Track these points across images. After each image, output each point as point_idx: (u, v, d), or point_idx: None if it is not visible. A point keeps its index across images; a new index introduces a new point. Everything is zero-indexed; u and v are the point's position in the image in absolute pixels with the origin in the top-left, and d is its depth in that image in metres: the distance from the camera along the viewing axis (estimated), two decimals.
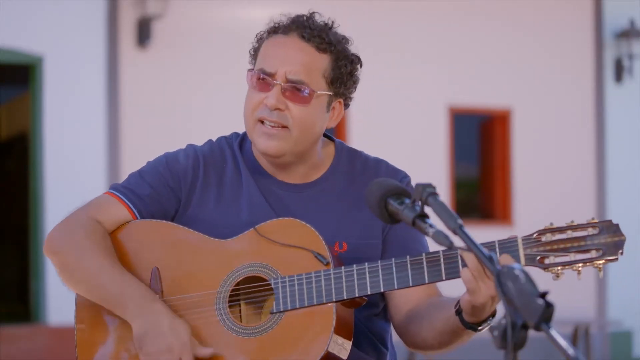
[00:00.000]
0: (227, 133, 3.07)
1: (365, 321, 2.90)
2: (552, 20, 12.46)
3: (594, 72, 12.67)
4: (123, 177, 11.44)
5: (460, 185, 12.34)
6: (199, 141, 3.04)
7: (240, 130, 3.04)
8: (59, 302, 10.08)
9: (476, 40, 12.12)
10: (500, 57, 12.23)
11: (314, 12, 2.92)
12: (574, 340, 11.68)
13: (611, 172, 12.61)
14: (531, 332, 1.97)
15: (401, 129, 11.51)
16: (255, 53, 2.93)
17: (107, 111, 10.42)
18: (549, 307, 1.95)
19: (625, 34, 12.53)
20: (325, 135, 2.96)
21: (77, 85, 10.37)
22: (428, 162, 11.80)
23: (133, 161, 10.34)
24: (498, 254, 2.57)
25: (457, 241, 2.30)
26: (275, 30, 2.90)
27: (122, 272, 2.78)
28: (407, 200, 2.43)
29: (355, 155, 2.97)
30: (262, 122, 2.84)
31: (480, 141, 12.77)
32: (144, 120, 10.60)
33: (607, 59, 12.69)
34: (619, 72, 12.61)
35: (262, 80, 2.84)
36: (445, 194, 11.65)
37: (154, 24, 10.51)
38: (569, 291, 11.80)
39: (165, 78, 10.72)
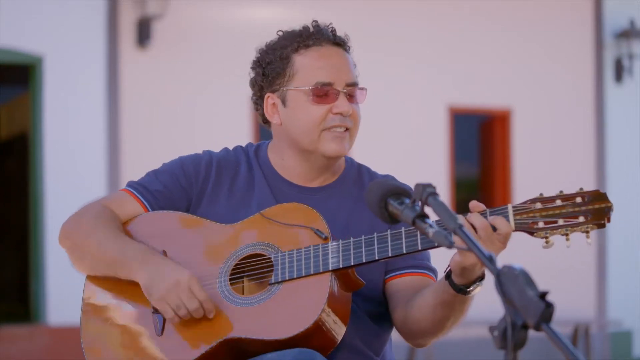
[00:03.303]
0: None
1: (370, 315, 2.97)
2: (552, 20, 12.46)
3: (594, 72, 12.67)
4: (123, 177, 11.37)
5: (460, 185, 12.34)
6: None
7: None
8: (59, 302, 10.08)
9: (476, 41, 12.12)
10: (500, 57, 12.22)
11: (316, 21, 3.05)
12: (574, 340, 11.68)
13: (611, 172, 12.61)
14: (531, 332, 1.97)
15: (401, 129, 11.51)
16: (282, 71, 3.00)
17: (107, 111, 10.42)
18: (549, 307, 1.95)
19: (625, 34, 12.52)
20: None
21: (77, 85, 10.37)
22: (428, 162, 11.79)
23: (133, 161, 10.34)
24: (489, 220, 2.67)
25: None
26: (304, 45, 2.99)
27: (125, 239, 2.92)
28: (407, 200, 2.44)
29: (364, 169, 3.12)
30: (328, 129, 2.96)
31: (480, 141, 12.77)
32: (144, 121, 10.60)
33: (607, 59, 12.68)
34: (619, 72, 12.60)
35: (325, 92, 2.95)
36: (445, 194, 11.65)
37: (154, 24, 10.51)
38: (569, 291, 11.81)
39: (165, 78, 10.71)
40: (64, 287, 10.01)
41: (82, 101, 10.39)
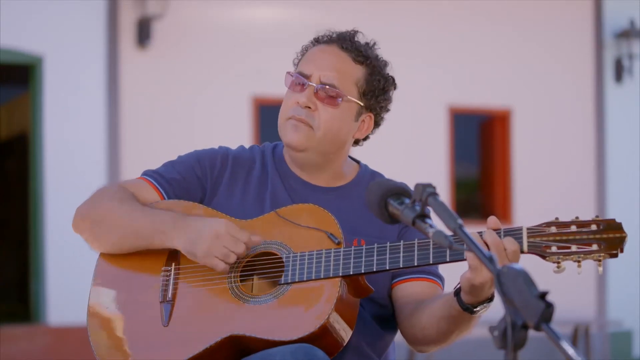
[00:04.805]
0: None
1: (376, 318, 2.99)
2: (552, 20, 12.46)
3: (594, 72, 12.66)
4: (123, 177, 11.36)
5: (460, 185, 12.34)
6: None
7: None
8: (59, 302, 10.08)
9: (476, 41, 12.12)
10: (500, 57, 12.22)
11: (357, 31, 3.07)
12: (574, 340, 11.68)
13: (611, 172, 12.61)
14: (531, 332, 1.97)
15: (401, 129, 11.51)
16: (298, 62, 3.08)
17: (107, 111, 10.42)
18: (549, 307, 1.95)
19: (625, 34, 12.53)
20: (353, 158, 3.14)
21: (77, 85, 10.37)
22: (428, 162, 11.79)
23: (133, 161, 10.34)
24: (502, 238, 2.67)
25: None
26: (318, 40, 3.06)
27: (151, 209, 2.93)
28: (407, 201, 2.44)
29: (378, 176, 3.13)
30: (289, 117, 3.00)
31: (480, 141, 12.77)
32: (143, 120, 10.60)
33: (607, 59, 12.68)
34: (619, 72, 12.61)
35: (298, 82, 3.00)
36: (445, 194, 11.65)
37: (154, 24, 10.51)
38: (569, 291, 11.80)
39: (165, 78, 10.72)
40: (64, 287, 10.01)
41: (82, 101, 10.40)
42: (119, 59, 10.48)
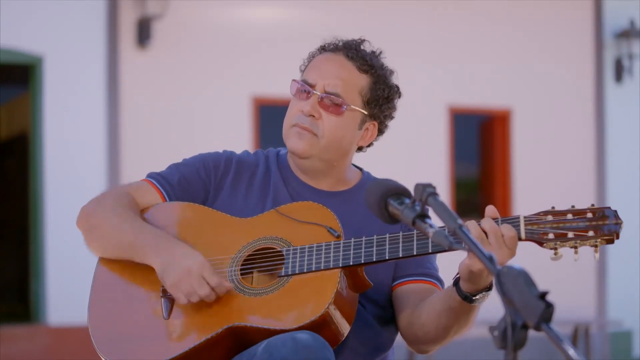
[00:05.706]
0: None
1: (377, 319, 3.01)
2: (552, 21, 12.45)
3: (594, 72, 12.66)
4: (123, 177, 11.34)
5: (460, 185, 12.34)
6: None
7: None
8: (59, 302, 10.08)
9: (476, 41, 12.12)
10: (500, 57, 12.22)
11: (364, 40, 3.13)
12: (574, 340, 11.68)
13: (611, 172, 12.61)
14: (531, 332, 1.97)
15: (401, 129, 11.47)
16: (304, 68, 3.13)
17: (107, 111, 10.42)
18: (549, 307, 1.95)
19: (625, 34, 12.52)
20: (356, 166, 3.19)
21: (77, 85, 10.37)
22: (428, 162, 11.79)
23: (133, 161, 10.34)
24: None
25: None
26: (325, 48, 3.11)
27: (141, 223, 2.97)
28: (407, 201, 2.44)
29: None
30: (294, 125, 3.05)
31: (480, 141, 12.77)
32: (144, 120, 10.60)
33: (607, 59, 12.68)
34: (619, 72, 12.60)
35: (303, 90, 3.05)
36: (445, 194, 11.65)
37: (154, 24, 10.51)
38: (569, 291, 11.81)
39: (165, 78, 10.71)
40: (64, 287, 10.01)
41: (82, 101, 10.39)
42: (119, 59, 10.48)
